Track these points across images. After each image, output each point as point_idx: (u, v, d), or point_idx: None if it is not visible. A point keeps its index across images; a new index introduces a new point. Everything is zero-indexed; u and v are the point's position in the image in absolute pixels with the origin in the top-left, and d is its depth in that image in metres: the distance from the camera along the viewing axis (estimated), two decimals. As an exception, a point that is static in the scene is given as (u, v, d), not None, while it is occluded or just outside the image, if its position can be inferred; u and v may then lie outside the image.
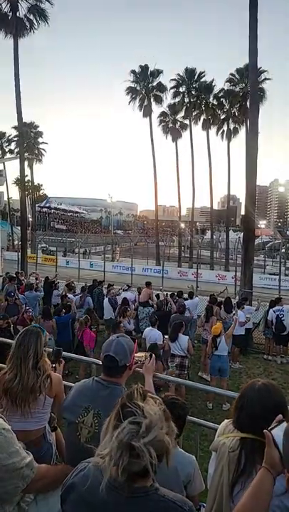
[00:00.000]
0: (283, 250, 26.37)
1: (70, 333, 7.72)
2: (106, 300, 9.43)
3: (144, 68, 30.83)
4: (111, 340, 1.91)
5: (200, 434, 2.48)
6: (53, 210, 62.96)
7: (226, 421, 1.77)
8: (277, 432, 1.18)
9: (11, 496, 1.37)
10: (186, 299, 9.92)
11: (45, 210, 60.60)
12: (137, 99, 31.17)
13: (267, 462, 1.19)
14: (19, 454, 1.36)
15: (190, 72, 31.16)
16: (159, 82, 30.94)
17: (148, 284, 10.02)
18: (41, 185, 62.04)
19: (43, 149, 41.07)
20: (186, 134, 32.75)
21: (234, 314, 8.33)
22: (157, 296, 10.33)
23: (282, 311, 9.26)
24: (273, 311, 9.29)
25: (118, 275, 19.85)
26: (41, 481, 1.48)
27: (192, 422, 2.42)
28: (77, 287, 11.41)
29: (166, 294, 10.76)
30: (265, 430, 1.20)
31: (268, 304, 9.87)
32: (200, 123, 32.18)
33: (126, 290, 10.86)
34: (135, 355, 2.06)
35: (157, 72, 30.74)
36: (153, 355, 2.26)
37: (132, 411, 1.02)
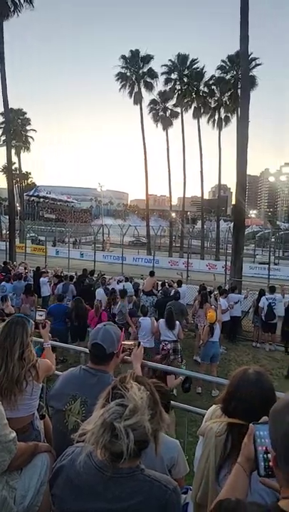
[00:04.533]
0: (273, 240, 26.62)
1: (65, 322, 7.77)
2: (100, 290, 9.46)
3: (135, 53, 30.19)
4: (98, 328, 1.91)
5: (188, 420, 2.51)
6: (41, 199, 62.06)
7: (213, 406, 1.78)
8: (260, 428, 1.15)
9: None
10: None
11: (33, 199, 59.71)
12: (127, 86, 30.63)
13: (242, 455, 1.16)
14: (8, 428, 1.44)
15: (182, 59, 30.63)
16: (150, 68, 30.44)
17: (152, 274, 10.07)
18: (29, 173, 61.05)
19: (30, 137, 40.17)
20: (177, 122, 32.45)
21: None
22: (162, 284, 10.37)
23: (275, 300, 9.43)
24: (266, 299, 9.44)
25: (109, 265, 19.84)
26: (21, 458, 1.58)
27: (180, 408, 2.45)
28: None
29: (157, 283, 10.83)
30: (251, 424, 1.17)
31: (256, 292, 10.00)
32: (191, 111, 31.89)
33: (121, 281, 10.89)
34: (124, 343, 2.06)
35: (148, 58, 30.17)
36: (141, 342, 2.25)
37: (121, 393, 1.06)
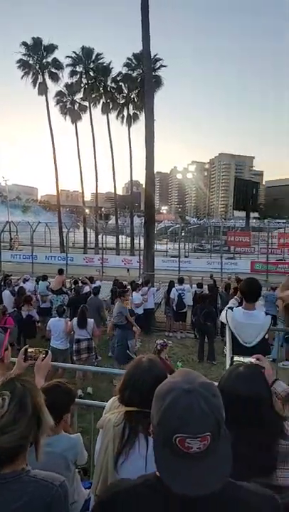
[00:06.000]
0: (183, 234, 28.35)
1: None
2: (6, 292, 8.82)
3: (38, 41, 28.60)
4: None
5: (94, 415, 2.50)
6: None
7: (112, 398, 1.80)
8: None
9: None
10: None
11: None
12: (31, 75, 28.90)
13: None
14: None
15: (87, 52, 30.03)
16: (55, 58, 29.10)
17: (61, 272, 9.75)
18: None
19: None
20: (86, 116, 31.87)
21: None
22: (75, 281, 10.11)
23: (184, 290, 10.05)
24: (176, 290, 9.98)
25: (18, 264, 18.64)
26: None
27: (84, 405, 2.43)
28: None
29: (70, 281, 10.61)
30: None
31: (167, 285, 10.55)
32: (100, 106, 31.65)
33: (27, 280, 10.36)
34: (30, 350, 1.98)
35: (52, 47, 28.86)
36: (49, 352, 2.10)
37: None
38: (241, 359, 1.79)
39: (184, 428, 0.80)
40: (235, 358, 1.83)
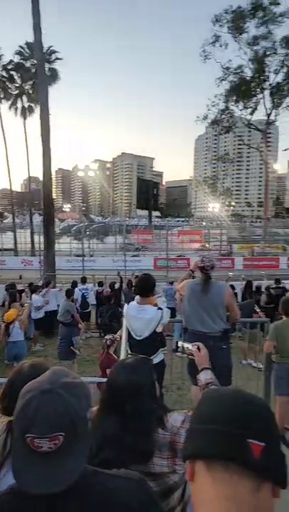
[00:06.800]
0: (87, 232, 27.99)
1: None
2: None
3: None
4: None
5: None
6: None
7: (-4, 410, 1.69)
8: None
9: None
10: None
11: None
12: None
13: None
14: None
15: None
16: None
17: None
18: None
19: None
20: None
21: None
22: None
23: (87, 290, 9.96)
24: (79, 290, 9.82)
25: None
26: None
27: None
28: None
29: None
30: None
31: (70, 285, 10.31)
32: (-11, 95, 28.83)
33: None
34: None
35: None
36: None
37: None
38: (186, 345, 1.99)
39: (34, 428, 0.79)
40: (179, 343, 2.00)
